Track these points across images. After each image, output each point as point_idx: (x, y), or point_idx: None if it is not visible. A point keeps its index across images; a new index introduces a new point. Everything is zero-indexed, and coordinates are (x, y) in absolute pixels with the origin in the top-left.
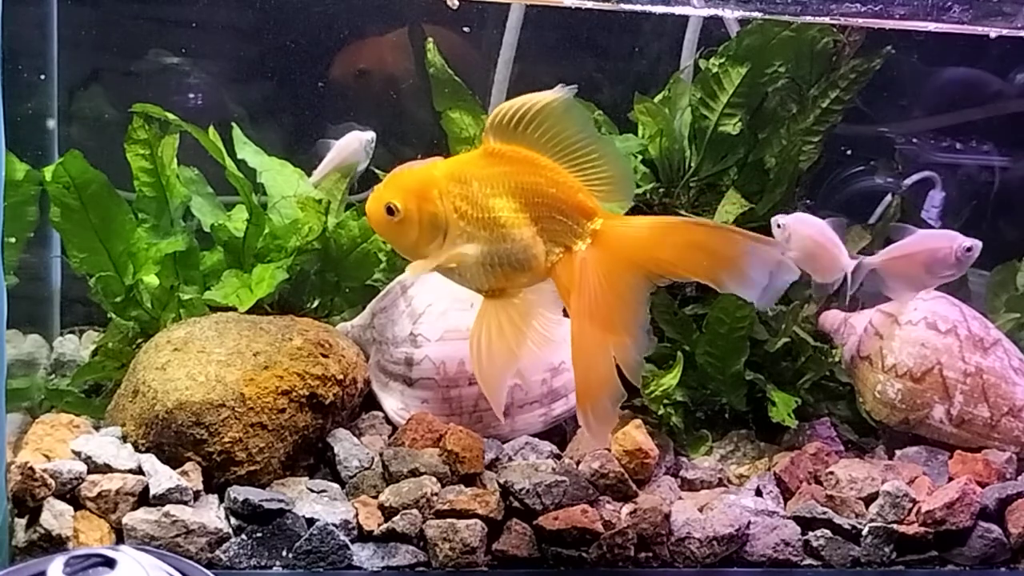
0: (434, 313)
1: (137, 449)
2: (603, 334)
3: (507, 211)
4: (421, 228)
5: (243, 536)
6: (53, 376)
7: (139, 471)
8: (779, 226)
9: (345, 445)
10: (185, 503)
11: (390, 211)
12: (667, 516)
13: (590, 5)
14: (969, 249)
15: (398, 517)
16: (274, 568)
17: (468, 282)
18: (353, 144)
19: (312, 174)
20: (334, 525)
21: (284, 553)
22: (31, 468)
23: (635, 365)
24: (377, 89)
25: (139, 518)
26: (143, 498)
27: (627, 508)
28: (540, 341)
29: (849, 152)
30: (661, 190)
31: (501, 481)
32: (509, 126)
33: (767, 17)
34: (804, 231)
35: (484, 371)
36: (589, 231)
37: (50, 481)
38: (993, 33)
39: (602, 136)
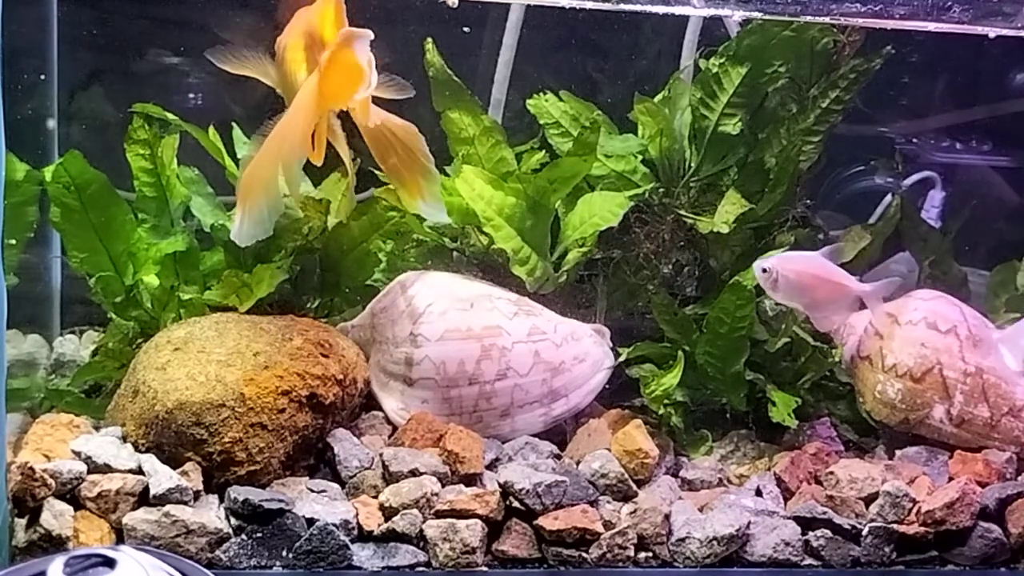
0: (434, 313)
1: (137, 449)
2: (284, 148)
3: (298, 51)
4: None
5: (243, 536)
6: (53, 376)
7: (139, 471)
8: (764, 271)
9: (345, 445)
10: (185, 503)
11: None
12: (667, 516)
13: (590, 5)
14: None
15: (398, 517)
16: (274, 568)
17: None
18: None
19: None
20: (334, 525)
21: (284, 553)
22: (31, 468)
23: (292, 181)
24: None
25: (139, 518)
26: (143, 498)
27: (627, 508)
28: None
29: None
30: (661, 190)
31: (501, 481)
32: None
33: (767, 17)
34: (790, 267)
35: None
36: (324, 61)
37: (50, 481)
38: (993, 33)
39: None
